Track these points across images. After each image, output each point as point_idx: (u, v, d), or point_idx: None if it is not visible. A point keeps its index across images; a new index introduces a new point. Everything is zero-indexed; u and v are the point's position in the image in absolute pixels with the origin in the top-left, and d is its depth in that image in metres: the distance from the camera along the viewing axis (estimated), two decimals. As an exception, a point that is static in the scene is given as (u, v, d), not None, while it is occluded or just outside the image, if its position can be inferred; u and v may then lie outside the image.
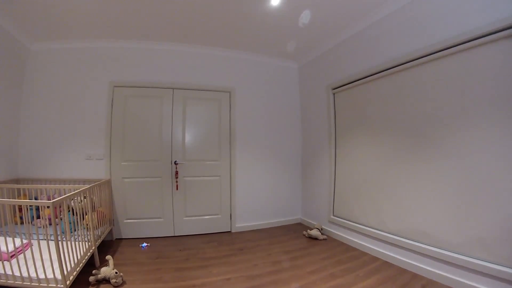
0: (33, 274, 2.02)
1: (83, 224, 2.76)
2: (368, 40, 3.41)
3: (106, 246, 3.52)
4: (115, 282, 2.44)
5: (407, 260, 2.84)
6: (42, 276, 2.02)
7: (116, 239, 3.86)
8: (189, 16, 3.36)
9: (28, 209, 2.44)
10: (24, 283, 2.01)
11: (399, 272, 2.77)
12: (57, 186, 3.25)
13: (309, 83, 4.70)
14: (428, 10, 2.68)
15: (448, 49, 2.48)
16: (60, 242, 2.03)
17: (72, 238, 2.37)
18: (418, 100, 2.79)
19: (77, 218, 2.60)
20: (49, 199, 2.75)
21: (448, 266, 2.47)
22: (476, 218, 2.28)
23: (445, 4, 2.53)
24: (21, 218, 3.07)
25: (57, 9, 3.11)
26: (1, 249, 2.13)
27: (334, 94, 4.05)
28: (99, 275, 2.49)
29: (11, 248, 2.16)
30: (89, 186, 2.89)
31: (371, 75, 3.33)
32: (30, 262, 2.05)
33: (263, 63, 4.73)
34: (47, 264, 2.05)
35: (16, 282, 2.01)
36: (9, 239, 2.21)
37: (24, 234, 2.66)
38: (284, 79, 4.91)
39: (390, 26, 3.11)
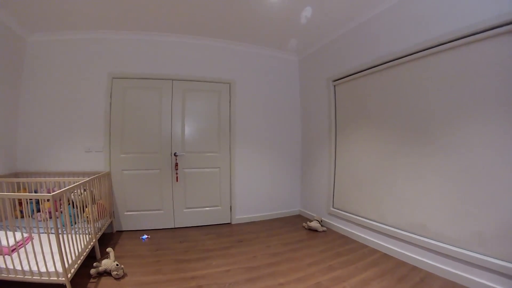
0: (34, 268, 2.02)
1: (84, 217, 2.77)
2: (369, 33, 3.37)
3: (107, 239, 3.54)
4: (116, 274, 2.47)
5: (406, 253, 2.86)
6: (43, 269, 2.03)
7: (117, 231, 3.89)
8: (189, 7, 3.30)
9: (28, 203, 2.45)
10: (26, 276, 2.02)
11: (398, 264, 2.80)
12: (57, 179, 3.25)
13: (309, 75, 4.66)
14: (429, 4, 2.64)
15: (449, 43, 2.46)
16: (60, 235, 2.04)
17: (73, 231, 2.37)
18: (419, 95, 2.77)
19: (77, 211, 2.61)
20: (49, 192, 2.75)
21: (447, 259, 2.49)
22: (475, 213, 2.29)
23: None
24: (21, 212, 3.07)
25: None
26: (2, 243, 2.14)
27: (334, 86, 4.02)
28: (100, 268, 2.51)
29: (11, 242, 2.16)
30: (88, 178, 2.89)
31: (372, 68, 3.30)
32: (31, 256, 2.05)
33: (263, 55, 4.68)
34: (48, 257, 2.06)
35: (18, 276, 2.02)
36: (10, 233, 2.21)
37: (24, 227, 2.66)
38: (284, 71, 4.87)
39: (390, 19, 3.07)
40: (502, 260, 2.11)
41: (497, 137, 2.15)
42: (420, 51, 2.71)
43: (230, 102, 4.42)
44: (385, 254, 3.06)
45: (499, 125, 2.14)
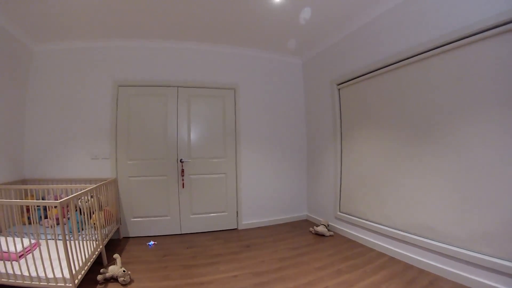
0: (41, 274, 2.03)
1: (91, 223, 2.78)
2: (371, 35, 3.37)
3: (114, 245, 3.54)
4: (123, 280, 2.46)
5: (413, 256, 2.81)
6: (50, 275, 2.03)
7: (124, 237, 3.89)
8: (192, 14, 3.34)
9: (36, 209, 2.47)
10: (33, 282, 2.03)
11: (406, 267, 2.75)
12: (64, 186, 3.27)
13: (313, 78, 4.65)
14: (432, 4, 2.63)
15: (450, 44, 2.44)
16: (68, 242, 2.05)
17: (80, 237, 2.38)
18: (420, 96, 2.77)
19: (84, 218, 2.62)
20: (56, 199, 2.77)
21: (454, 261, 2.44)
22: (481, 213, 2.26)
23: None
24: (28, 218, 3.10)
25: (59, 9, 3.10)
26: (10, 249, 2.15)
27: (339, 89, 4.01)
28: (107, 274, 2.50)
29: (19, 248, 2.17)
30: (95, 185, 2.91)
31: (375, 70, 3.29)
32: (38, 262, 2.06)
33: (267, 59, 4.69)
34: (55, 263, 2.07)
35: (25, 282, 2.03)
36: (18, 239, 2.22)
37: (32, 234, 2.68)
38: (288, 75, 4.88)
39: (393, 20, 3.07)
40: (510, 261, 2.07)
41: (501, 136, 2.13)
42: (421, 53, 2.71)
43: (235, 107, 4.43)
44: (393, 257, 3.01)
45: (499, 125, 2.12)
